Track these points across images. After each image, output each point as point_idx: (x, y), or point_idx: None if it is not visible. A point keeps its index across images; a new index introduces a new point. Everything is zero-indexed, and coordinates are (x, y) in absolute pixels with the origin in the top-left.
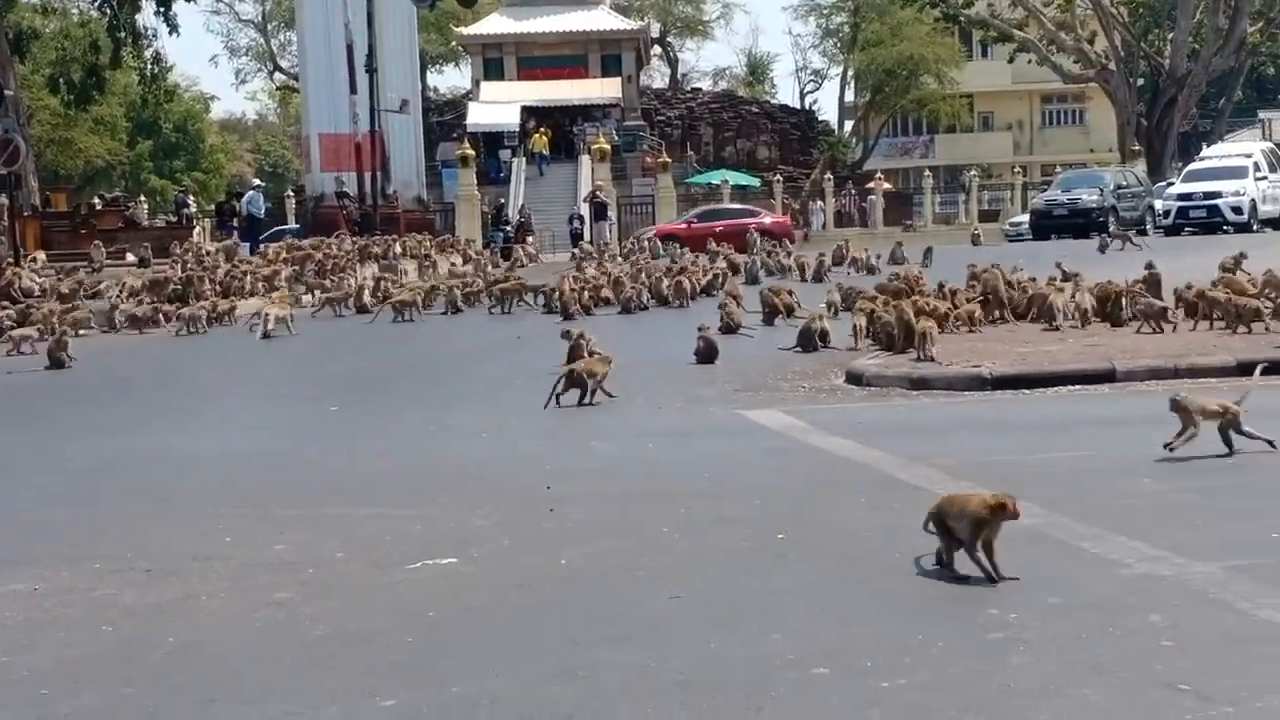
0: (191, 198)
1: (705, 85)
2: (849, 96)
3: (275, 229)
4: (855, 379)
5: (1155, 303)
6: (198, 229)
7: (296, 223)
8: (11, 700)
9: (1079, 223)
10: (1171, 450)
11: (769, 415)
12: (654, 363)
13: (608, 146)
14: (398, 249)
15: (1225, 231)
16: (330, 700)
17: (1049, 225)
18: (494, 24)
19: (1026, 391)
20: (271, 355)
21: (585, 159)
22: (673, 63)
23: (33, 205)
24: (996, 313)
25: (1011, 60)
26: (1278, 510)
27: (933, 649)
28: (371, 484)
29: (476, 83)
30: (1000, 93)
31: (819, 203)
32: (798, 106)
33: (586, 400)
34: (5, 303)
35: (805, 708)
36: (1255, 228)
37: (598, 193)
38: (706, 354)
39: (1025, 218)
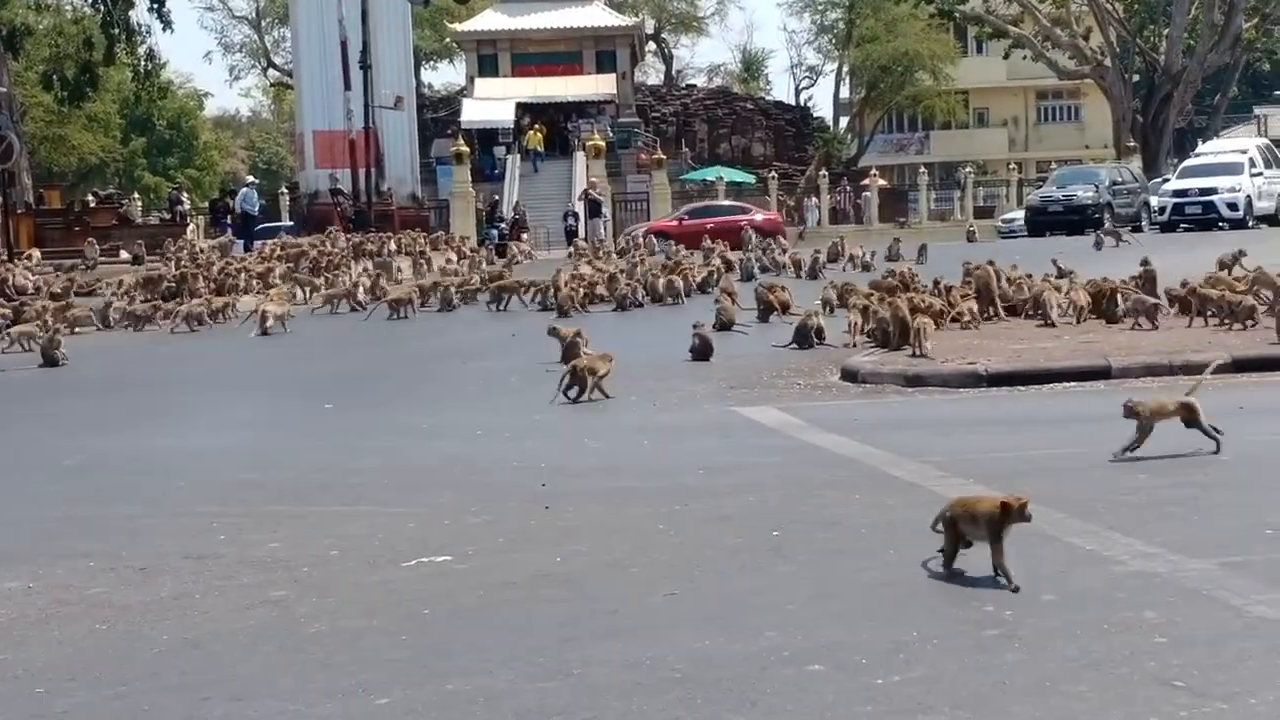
0: (185, 195)
1: (700, 82)
2: (844, 93)
3: (263, 225)
4: (850, 376)
5: (1145, 299)
6: (191, 226)
7: (291, 220)
8: (5, 698)
9: (1074, 219)
10: (1122, 455)
11: (764, 412)
12: (649, 360)
13: (602, 143)
14: (392, 246)
15: (1221, 228)
16: (325, 698)
17: (1044, 222)
18: (488, 20)
19: (1022, 388)
20: (266, 353)
21: (580, 156)
22: (667, 59)
23: (26, 202)
24: (989, 310)
25: (1007, 56)
26: (1272, 506)
27: (928, 646)
28: (365, 482)
29: (471, 79)
30: (995, 89)
31: (814, 199)
32: (793, 103)
33: (584, 396)
34: (0, 300)
35: (800, 704)
36: (1251, 224)
37: (590, 190)
38: (701, 351)
39: (1019, 214)
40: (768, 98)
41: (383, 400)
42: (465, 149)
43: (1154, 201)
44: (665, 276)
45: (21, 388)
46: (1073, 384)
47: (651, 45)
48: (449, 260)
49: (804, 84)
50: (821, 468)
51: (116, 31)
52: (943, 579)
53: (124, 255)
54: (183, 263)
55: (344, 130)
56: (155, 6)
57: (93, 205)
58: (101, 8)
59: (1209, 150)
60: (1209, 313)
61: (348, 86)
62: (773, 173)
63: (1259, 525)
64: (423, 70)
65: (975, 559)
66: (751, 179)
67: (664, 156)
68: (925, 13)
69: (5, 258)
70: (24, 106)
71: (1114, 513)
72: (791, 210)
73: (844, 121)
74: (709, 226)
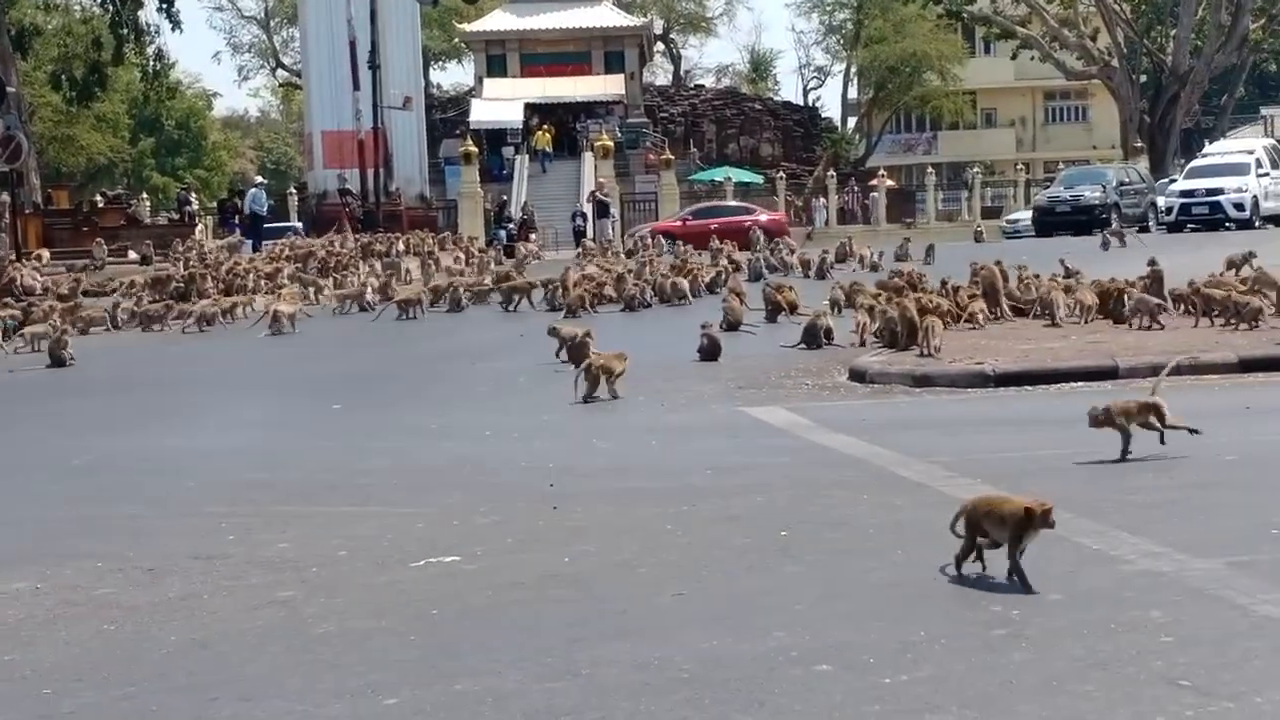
0: (194, 195)
1: (708, 82)
2: (852, 93)
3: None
4: (858, 376)
5: (1148, 299)
6: (200, 226)
7: (299, 220)
8: (14, 699)
9: (1082, 220)
10: (1123, 458)
11: (772, 412)
12: (657, 360)
13: (611, 144)
14: (400, 246)
15: (1227, 228)
16: (333, 698)
17: (1052, 222)
18: (497, 20)
19: (1029, 388)
20: (275, 353)
21: (588, 156)
22: (676, 59)
23: (34, 203)
24: (995, 310)
25: (1014, 57)
26: (1278, 506)
27: (935, 646)
28: (374, 482)
29: (479, 79)
30: (1003, 89)
31: (822, 200)
32: (801, 103)
33: (594, 394)
34: (8, 299)
35: (808, 704)
36: (1257, 224)
37: (597, 193)
38: (710, 351)
39: (1024, 214)
40: (776, 98)
41: (391, 401)
42: (474, 149)
43: (1161, 202)
44: (671, 277)
45: (29, 388)
46: (1080, 384)
47: (660, 45)
48: (456, 260)
49: (812, 84)
50: (829, 468)
51: (125, 31)
52: (949, 579)
53: (132, 255)
54: (191, 263)
55: (353, 130)
56: (164, 6)
57: (101, 205)
58: (110, 8)
59: (1216, 151)
60: (1214, 313)
61: (356, 87)
62: (781, 173)
63: (1265, 525)
64: (431, 70)
65: (984, 559)
66: (759, 179)
67: (672, 157)
68: (933, 13)
69: (14, 258)
70: (32, 106)
71: (1121, 512)
72: (799, 210)
73: (852, 122)
74: (713, 227)
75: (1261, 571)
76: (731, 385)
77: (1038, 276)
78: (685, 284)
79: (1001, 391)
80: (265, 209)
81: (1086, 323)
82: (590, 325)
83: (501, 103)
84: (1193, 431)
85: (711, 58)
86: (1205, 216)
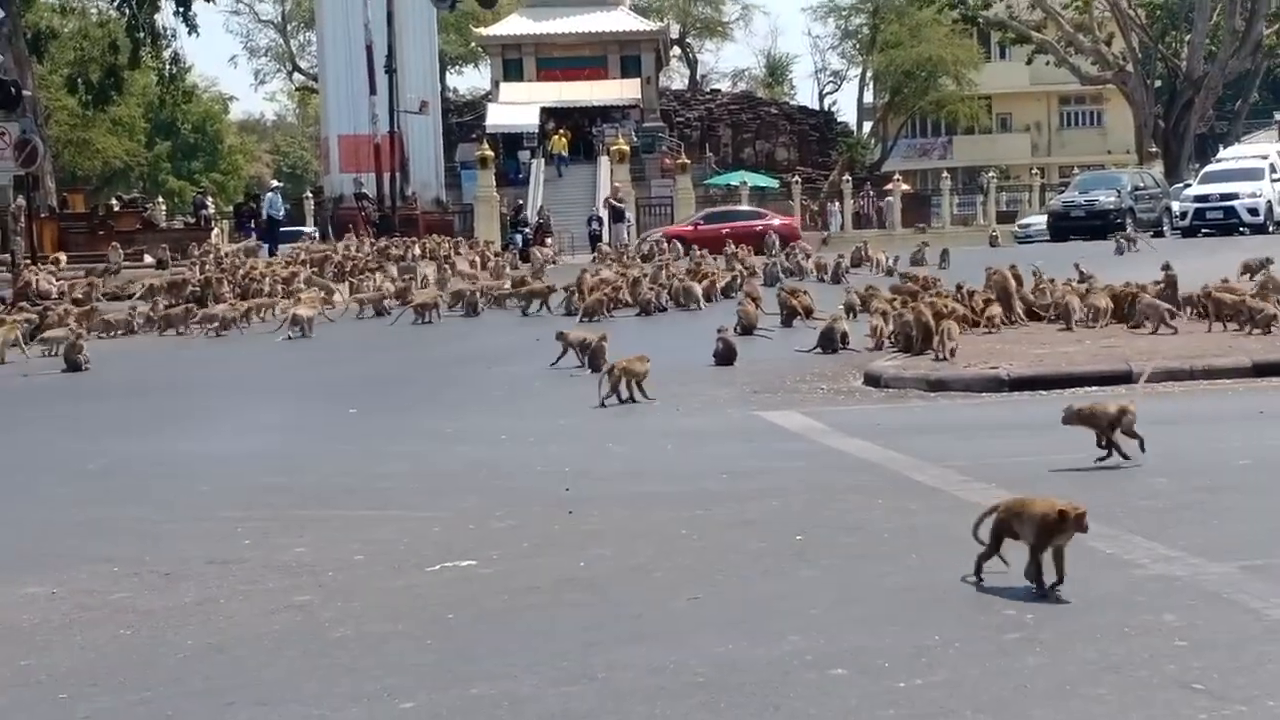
0: (210, 199)
1: (724, 86)
2: (868, 98)
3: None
4: (873, 381)
5: (1157, 303)
6: (216, 230)
7: (315, 224)
8: (30, 703)
9: (1096, 224)
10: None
11: (787, 417)
12: (672, 364)
13: (627, 148)
14: (416, 251)
15: (1241, 233)
16: (350, 702)
17: (1067, 227)
18: (513, 25)
19: (1044, 392)
20: (291, 357)
21: (604, 160)
22: (692, 64)
23: (50, 206)
24: (1009, 314)
25: (1029, 62)
26: None
27: (950, 650)
28: (391, 486)
29: (496, 84)
30: (1018, 94)
31: (837, 204)
32: (816, 108)
33: (611, 396)
34: (24, 304)
35: (823, 708)
36: (1271, 229)
37: (612, 199)
38: (725, 355)
39: (1037, 219)
40: (792, 103)
41: (407, 405)
42: (490, 153)
43: (1175, 207)
44: (685, 281)
45: (45, 392)
46: (1094, 388)
47: (676, 50)
48: (471, 263)
49: (828, 89)
50: (844, 472)
51: (142, 35)
52: (964, 583)
53: (148, 260)
54: (207, 267)
55: (369, 135)
56: (181, 10)
57: (117, 209)
58: (127, 11)
59: (1230, 156)
60: (1226, 317)
61: (373, 91)
62: (796, 178)
63: (1279, 529)
64: (448, 75)
65: (993, 563)
66: (775, 184)
67: (688, 161)
68: (949, 18)
69: (30, 261)
70: (48, 110)
71: (1134, 517)
72: (815, 215)
73: (867, 126)
74: (725, 231)
75: (1275, 576)
76: (747, 389)
77: (1052, 281)
78: (698, 288)
79: (1016, 396)
80: (281, 213)
81: (1101, 327)
82: (605, 330)
83: (518, 107)
84: (1140, 449)
85: (727, 62)
86: (1220, 221)
